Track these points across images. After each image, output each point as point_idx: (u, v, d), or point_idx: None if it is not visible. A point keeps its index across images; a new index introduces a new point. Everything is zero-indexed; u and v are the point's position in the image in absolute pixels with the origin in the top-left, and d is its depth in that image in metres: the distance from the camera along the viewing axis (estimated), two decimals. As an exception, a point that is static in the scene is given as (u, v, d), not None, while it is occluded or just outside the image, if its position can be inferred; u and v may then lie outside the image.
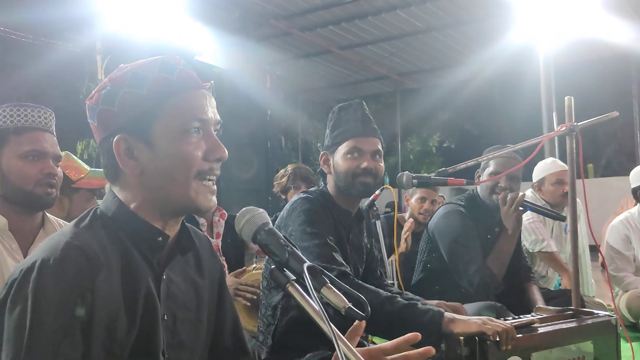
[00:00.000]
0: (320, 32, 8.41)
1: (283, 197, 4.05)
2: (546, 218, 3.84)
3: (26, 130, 1.83)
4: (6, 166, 1.81)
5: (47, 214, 1.95)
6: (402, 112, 11.89)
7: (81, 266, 1.03)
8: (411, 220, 3.94)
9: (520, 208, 2.69)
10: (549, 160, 4.12)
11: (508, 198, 2.68)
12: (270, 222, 1.15)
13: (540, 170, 3.93)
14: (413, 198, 4.18)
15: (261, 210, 1.15)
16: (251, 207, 1.17)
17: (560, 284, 3.83)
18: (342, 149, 2.15)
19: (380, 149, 2.17)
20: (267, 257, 2.69)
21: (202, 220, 3.15)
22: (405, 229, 3.88)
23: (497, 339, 1.73)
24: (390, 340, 2.07)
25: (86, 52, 6.96)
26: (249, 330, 2.96)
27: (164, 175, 1.14)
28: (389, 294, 1.90)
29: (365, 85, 11.31)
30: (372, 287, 1.92)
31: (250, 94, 5.80)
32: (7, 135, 1.81)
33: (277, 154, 6.43)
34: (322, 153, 2.23)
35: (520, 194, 2.72)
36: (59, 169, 1.91)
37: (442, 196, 4.56)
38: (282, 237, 1.12)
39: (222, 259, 3.10)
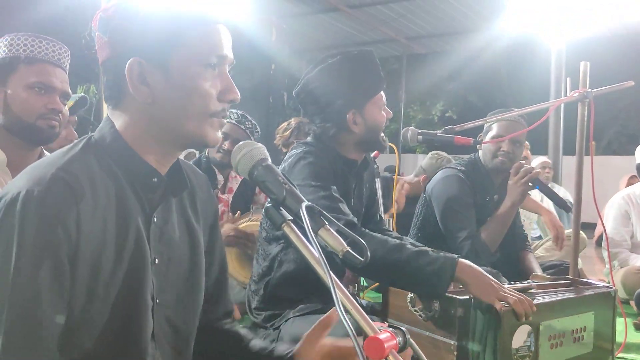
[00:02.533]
0: (330, -12, 8.22)
1: (284, 150, 3.99)
2: None
3: (37, 61, 1.77)
4: (11, 94, 1.75)
5: (45, 151, 1.89)
6: (407, 77, 11.72)
7: (67, 201, 0.96)
8: (405, 184, 3.88)
9: (530, 184, 2.62)
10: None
11: (522, 169, 2.60)
12: (269, 157, 1.08)
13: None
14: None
15: (260, 145, 1.08)
16: (249, 141, 1.10)
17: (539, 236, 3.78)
18: (374, 103, 2.04)
19: None
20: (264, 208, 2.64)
21: (220, 177, 3.13)
22: (396, 190, 3.82)
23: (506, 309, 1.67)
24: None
25: (90, -4, 6.77)
26: (240, 280, 2.94)
27: (177, 108, 1.07)
28: (397, 241, 1.82)
29: (372, 47, 11.08)
30: (380, 236, 1.86)
31: (255, 45, 5.66)
32: (17, 63, 1.75)
33: (279, 109, 6.32)
34: (348, 113, 2.01)
35: (536, 170, 2.65)
36: (66, 107, 1.85)
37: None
38: (281, 174, 1.05)
39: (230, 215, 3.07)
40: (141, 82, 1.05)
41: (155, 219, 1.11)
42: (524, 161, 3.52)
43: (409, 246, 1.80)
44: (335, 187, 1.94)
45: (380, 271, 1.82)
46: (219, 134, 1.12)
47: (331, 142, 2.08)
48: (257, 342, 1.29)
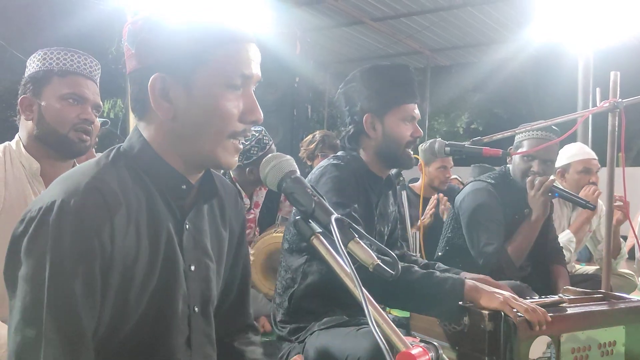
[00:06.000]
0: (354, 1, 8.24)
1: (309, 163, 4.00)
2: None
3: (70, 73, 1.83)
4: (45, 106, 1.81)
5: (77, 163, 1.92)
6: (431, 90, 11.67)
7: (101, 210, 0.98)
8: (439, 195, 3.85)
9: (549, 193, 2.56)
10: (576, 145, 3.82)
11: (537, 182, 2.56)
12: (298, 169, 1.08)
13: (566, 155, 3.50)
14: (432, 167, 4.07)
15: (288, 157, 1.08)
16: (278, 153, 1.10)
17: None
18: (397, 113, 2.02)
19: None
20: (288, 220, 2.63)
21: (247, 201, 3.14)
22: (430, 205, 3.80)
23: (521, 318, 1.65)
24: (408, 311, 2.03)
25: (117, 11, 6.88)
26: (264, 292, 2.93)
27: (196, 126, 1.06)
28: (406, 264, 1.83)
29: (396, 59, 11.08)
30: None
31: (279, 58, 5.67)
32: (51, 76, 1.81)
33: (303, 122, 6.31)
34: (366, 115, 2.03)
35: (551, 177, 2.60)
36: (97, 119, 1.90)
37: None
38: (310, 186, 1.05)
39: (257, 230, 3.08)
40: (163, 98, 1.05)
41: (188, 226, 1.12)
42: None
43: (417, 268, 1.82)
44: (356, 206, 1.92)
45: (392, 293, 1.80)
46: (235, 159, 1.10)
47: (355, 148, 2.08)
48: None
